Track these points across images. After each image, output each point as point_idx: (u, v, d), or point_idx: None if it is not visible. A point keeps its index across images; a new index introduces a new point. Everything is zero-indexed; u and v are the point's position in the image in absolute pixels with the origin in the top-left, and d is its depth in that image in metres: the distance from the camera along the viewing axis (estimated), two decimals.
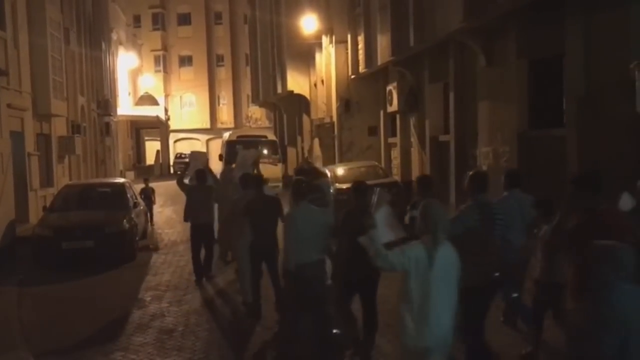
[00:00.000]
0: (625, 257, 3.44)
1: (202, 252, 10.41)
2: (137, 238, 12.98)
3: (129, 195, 13.79)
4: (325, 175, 12.80)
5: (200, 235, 10.24)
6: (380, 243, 4.23)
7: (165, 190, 24.91)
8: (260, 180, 8.38)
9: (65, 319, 8.42)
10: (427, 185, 6.83)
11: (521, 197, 6.69)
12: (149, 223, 16.63)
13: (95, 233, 11.70)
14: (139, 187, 17.02)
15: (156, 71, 53.92)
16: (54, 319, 8.44)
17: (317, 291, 6.28)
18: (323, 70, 24.25)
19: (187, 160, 13.77)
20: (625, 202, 5.30)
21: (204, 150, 44.43)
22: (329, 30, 22.90)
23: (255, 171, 10.42)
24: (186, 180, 10.89)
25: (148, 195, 17.37)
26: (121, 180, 16.65)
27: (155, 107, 44.95)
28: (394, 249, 4.26)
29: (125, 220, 12.31)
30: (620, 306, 3.31)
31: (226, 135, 26.85)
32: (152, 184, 18.39)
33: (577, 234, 4.47)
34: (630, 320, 3.29)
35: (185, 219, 10.57)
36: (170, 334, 7.58)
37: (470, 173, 5.66)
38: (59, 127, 20.11)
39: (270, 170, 17.64)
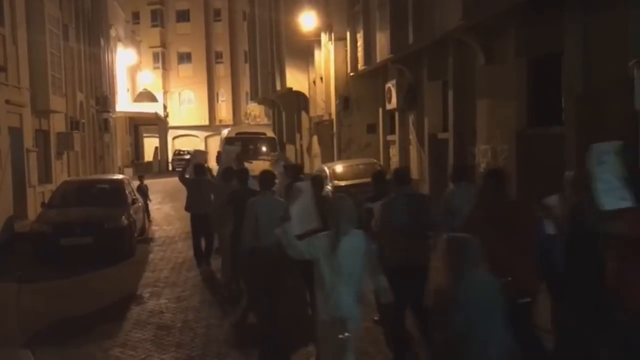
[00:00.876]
0: (471, 247, 3.96)
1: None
2: (135, 234, 13.00)
3: (127, 192, 13.80)
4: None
5: (199, 224, 10.71)
6: (292, 234, 4.65)
7: (164, 187, 24.90)
8: (244, 174, 8.72)
9: (63, 315, 8.42)
10: (380, 180, 7.41)
11: (468, 190, 7.19)
12: (147, 219, 16.66)
13: (94, 229, 11.71)
14: (135, 184, 17.03)
15: (155, 68, 53.86)
16: (53, 315, 8.44)
17: (271, 274, 6.67)
18: (322, 67, 24.20)
19: (187, 157, 14.41)
20: (554, 200, 5.53)
21: (203, 147, 44.54)
22: (328, 28, 22.84)
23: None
24: (187, 176, 11.30)
25: (144, 192, 17.39)
26: (120, 176, 16.67)
27: (153, 103, 44.84)
28: (304, 240, 4.70)
29: (123, 217, 12.32)
30: (467, 288, 3.87)
31: (225, 132, 26.84)
32: (150, 181, 18.41)
33: (477, 224, 4.81)
34: (473, 298, 3.84)
35: (186, 209, 11.06)
36: (169, 330, 7.61)
37: (394, 169, 6.05)
38: (58, 124, 20.10)
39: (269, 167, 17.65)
